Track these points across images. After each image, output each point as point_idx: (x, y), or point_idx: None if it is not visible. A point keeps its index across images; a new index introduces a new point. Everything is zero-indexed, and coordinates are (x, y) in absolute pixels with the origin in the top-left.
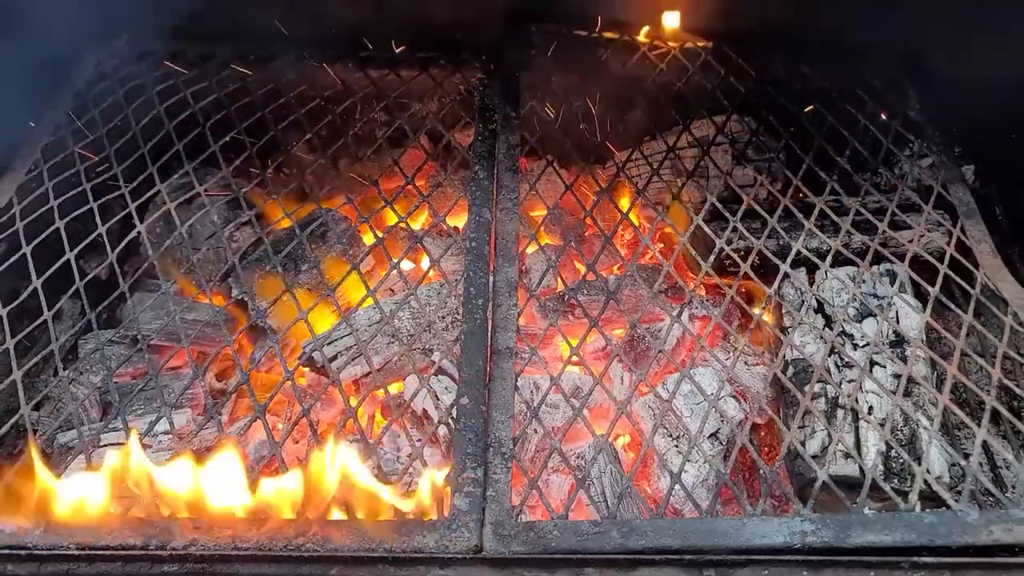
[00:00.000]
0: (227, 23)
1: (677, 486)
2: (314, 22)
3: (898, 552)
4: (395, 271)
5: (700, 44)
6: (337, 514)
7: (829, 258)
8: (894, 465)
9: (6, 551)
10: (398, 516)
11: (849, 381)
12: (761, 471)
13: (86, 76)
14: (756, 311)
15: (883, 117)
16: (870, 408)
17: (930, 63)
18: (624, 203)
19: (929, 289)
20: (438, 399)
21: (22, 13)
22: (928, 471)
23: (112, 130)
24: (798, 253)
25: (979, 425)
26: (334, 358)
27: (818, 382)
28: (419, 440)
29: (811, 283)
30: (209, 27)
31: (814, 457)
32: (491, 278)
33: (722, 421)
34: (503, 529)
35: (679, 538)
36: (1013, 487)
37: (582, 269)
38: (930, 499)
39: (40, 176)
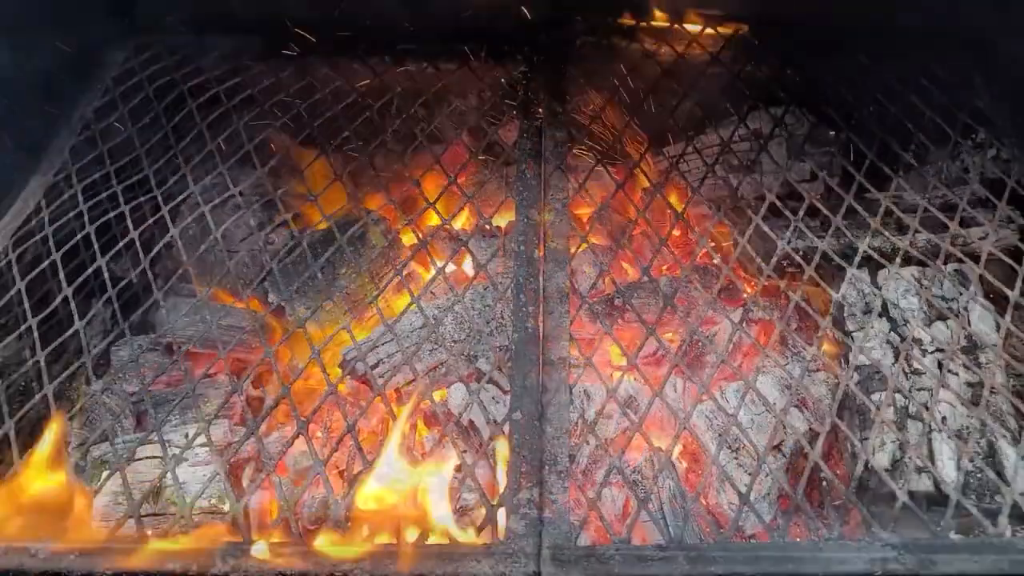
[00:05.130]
0: (258, 16)
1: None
2: (349, 14)
3: None
4: (440, 275)
5: (753, 32)
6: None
7: (899, 259)
8: (972, 480)
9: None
10: (450, 540)
11: (919, 389)
12: (839, 491)
13: (114, 72)
14: (824, 318)
15: (949, 108)
16: (943, 418)
17: (1000, 49)
18: (673, 199)
19: (1007, 292)
20: (486, 409)
21: (48, 8)
22: (1016, 491)
23: (142, 129)
24: (862, 252)
25: None
26: (376, 366)
27: (886, 390)
28: (464, 451)
29: (874, 284)
30: (240, 20)
31: (885, 471)
32: (541, 283)
33: (785, 432)
34: (562, 554)
35: (751, 564)
36: None
37: (629, 270)
38: (1014, 517)
39: (69, 178)
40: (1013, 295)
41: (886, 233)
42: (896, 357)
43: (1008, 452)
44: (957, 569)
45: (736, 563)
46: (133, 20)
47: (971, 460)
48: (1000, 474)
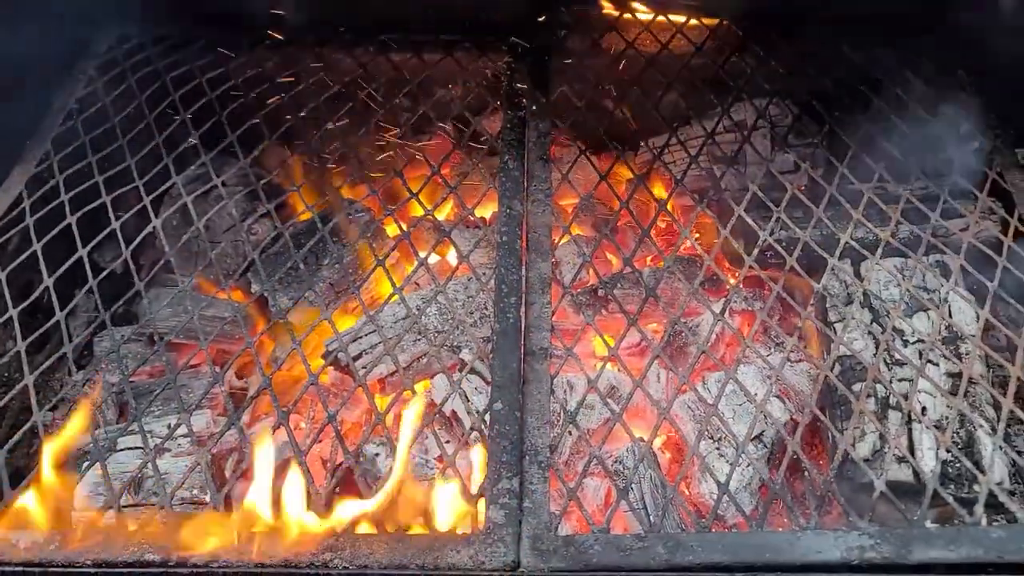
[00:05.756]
0: (243, 5)
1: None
2: (333, 3)
3: (964, 569)
4: (422, 266)
5: (738, 23)
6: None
7: (879, 250)
8: (950, 470)
9: (20, 568)
10: (430, 529)
11: (900, 380)
12: (817, 480)
13: (97, 62)
14: (805, 308)
15: (932, 99)
16: (923, 409)
17: (983, 42)
18: (657, 190)
19: (987, 283)
20: (468, 400)
21: None
22: (991, 480)
23: (125, 119)
24: (844, 243)
25: None
26: (358, 356)
27: (869, 381)
28: (447, 441)
29: (856, 275)
30: (224, 10)
31: (865, 461)
32: (523, 274)
33: (767, 422)
34: (541, 543)
35: (729, 553)
36: None
37: (614, 261)
38: (989, 506)
39: (51, 168)
40: (993, 286)
41: (868, 224)
42: (877, 348)
43: (986, 442)
44: (933, 557)
45: (714, 552)
46: (116, 9)
47: (948, 450)
48: (978, 464)
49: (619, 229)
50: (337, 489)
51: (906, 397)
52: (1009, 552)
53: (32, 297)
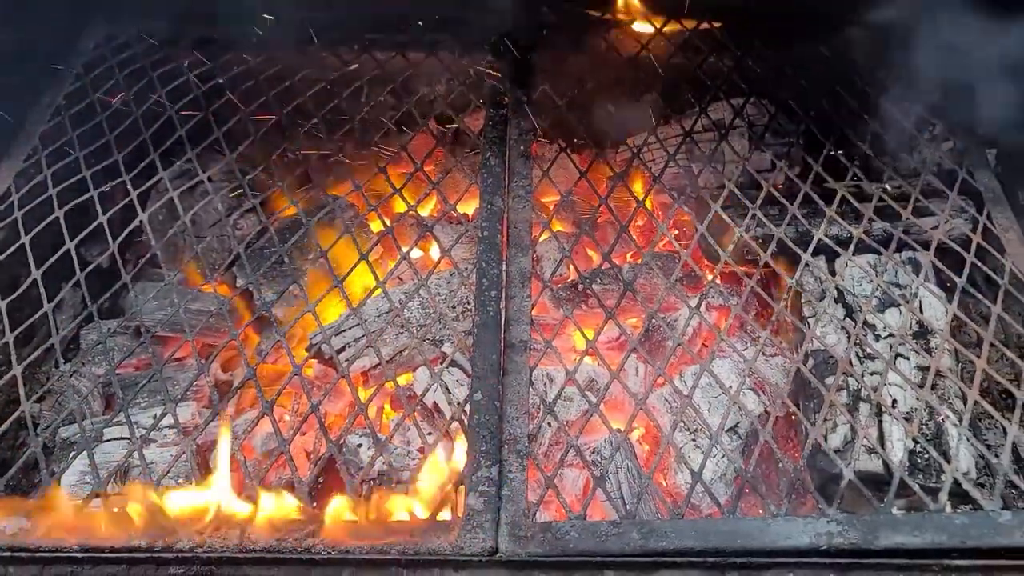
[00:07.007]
0: (229, 4)
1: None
2: (318, 2)
3: (928, 554)
4: (404, 260)
5: (716, 24)
6: (348, 514)
7: (852, 246)
8: (919, 460)
9: (8, 553)
10: (411, 516)
11: (872, 373)
12: (788, 469)
13: (85, 59)
14: (778, 303)
15: (906, 100)
16: (894, 401)
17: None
18: (637, 188)
19: (955, 279)
20: (449, 392)
21: None
22: (956, 469)
23: (112, 115)
24: (819, 240)
25: (1011, 421)
26: (342, 349)
27: (839, 374)
28: (430, 433)
29: (831, 271)
30: (210, 8)
31: (836, 452)
32: (504, 268)
33: (741, 414)
34: (519, 530)
35: (701, 539)
36: None
37: (595, 257)
38: (955, 495)
39: (39, 163)
40: (960, 282)
41: (842, 222)
42: (849, 342)
43: (953, 433)
44: (898, 543)
45: (687, 538)
46: (104, 6)
47: (916, 441)
48: (945, 454)
49: (598, 225)
50: (320, 479)
51: (876, 390)
52: (971, 537)
53: (20, 290)
